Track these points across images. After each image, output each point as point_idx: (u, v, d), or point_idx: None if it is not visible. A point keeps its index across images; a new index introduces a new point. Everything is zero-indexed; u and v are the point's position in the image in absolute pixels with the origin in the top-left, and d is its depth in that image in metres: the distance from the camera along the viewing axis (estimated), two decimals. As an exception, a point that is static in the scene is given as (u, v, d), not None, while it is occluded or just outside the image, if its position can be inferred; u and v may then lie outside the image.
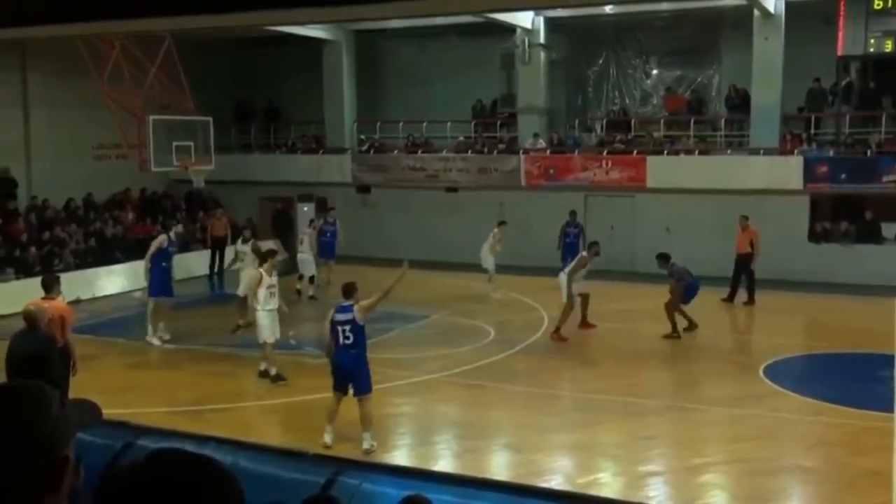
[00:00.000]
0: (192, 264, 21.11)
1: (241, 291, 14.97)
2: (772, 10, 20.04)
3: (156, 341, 14.00)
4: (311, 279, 18.32)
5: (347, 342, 9.30)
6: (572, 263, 15.25)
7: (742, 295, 17.29)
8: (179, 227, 15.65)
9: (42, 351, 7.82)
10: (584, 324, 15.25)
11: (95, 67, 17.53)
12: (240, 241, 16.40)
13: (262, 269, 12.16)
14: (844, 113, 20.70)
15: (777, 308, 17.02)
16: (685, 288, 14.70)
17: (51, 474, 1.45)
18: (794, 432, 10.61)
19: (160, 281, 14.15)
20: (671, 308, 14.64)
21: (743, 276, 17.38)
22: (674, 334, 14.60)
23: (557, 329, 14.66)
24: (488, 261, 18.41)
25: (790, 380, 12.27)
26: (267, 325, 11.98)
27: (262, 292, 11.94)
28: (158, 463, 1.41)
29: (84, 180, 21.97)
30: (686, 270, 14.91)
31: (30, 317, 8.25)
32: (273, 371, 12.10)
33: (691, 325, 14.86)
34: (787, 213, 19.67)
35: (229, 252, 19.42)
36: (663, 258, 15.20)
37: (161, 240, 14.37)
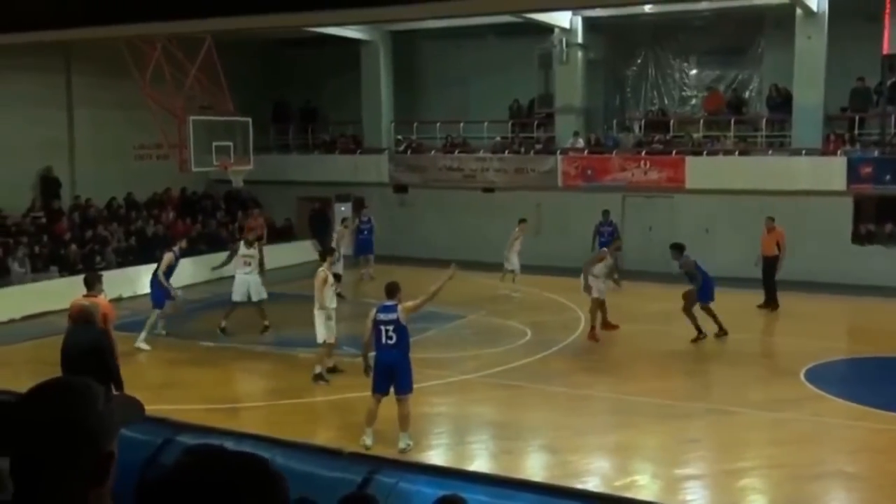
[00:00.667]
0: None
1: (255, 297, 14.99)
2: (814, 8, 19.73)
3: (145, 346, 14.10)
4: (338, 277, 18.38)
5: (391, 342, 9.28)
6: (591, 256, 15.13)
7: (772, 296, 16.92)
8: (184, 243, 15.88)
9: (100, 344, 8.06)
10: (606, 325, 15.03)
11: (137, 69, 17.78)
12: (242, 244, 15.63)
13: (325, 269, 12.15)
14: (889, 113, 20.30)
15: (819, 311, 16.74)
16: (700, 289, 14.43)
17: (96, 468, 1.47)
18: (836, 437, 10.42)
19: (162, 293, 14.61)
20: (688, 311, 14.44)
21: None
22: (700, 336, 14.37)
23: (593, 329, 14.60)
24: (512, 260, 18.40)
25: (832, 384, 12.05)
26: (330, 325, 12.01)
27: (328, 292, 11.96)
28: (203, 461, 1.41)
29: (125, 180, 22.35)
30: (696, 265, 14.55)
31: (84, 311, 8.46)
32: (318, 370, 12.15)
33: (721, 331, 14.52)
34: (829, 215, 19.34)
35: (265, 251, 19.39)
36: (677, 248, 14.83)
37: (169, 258, 14.73)
